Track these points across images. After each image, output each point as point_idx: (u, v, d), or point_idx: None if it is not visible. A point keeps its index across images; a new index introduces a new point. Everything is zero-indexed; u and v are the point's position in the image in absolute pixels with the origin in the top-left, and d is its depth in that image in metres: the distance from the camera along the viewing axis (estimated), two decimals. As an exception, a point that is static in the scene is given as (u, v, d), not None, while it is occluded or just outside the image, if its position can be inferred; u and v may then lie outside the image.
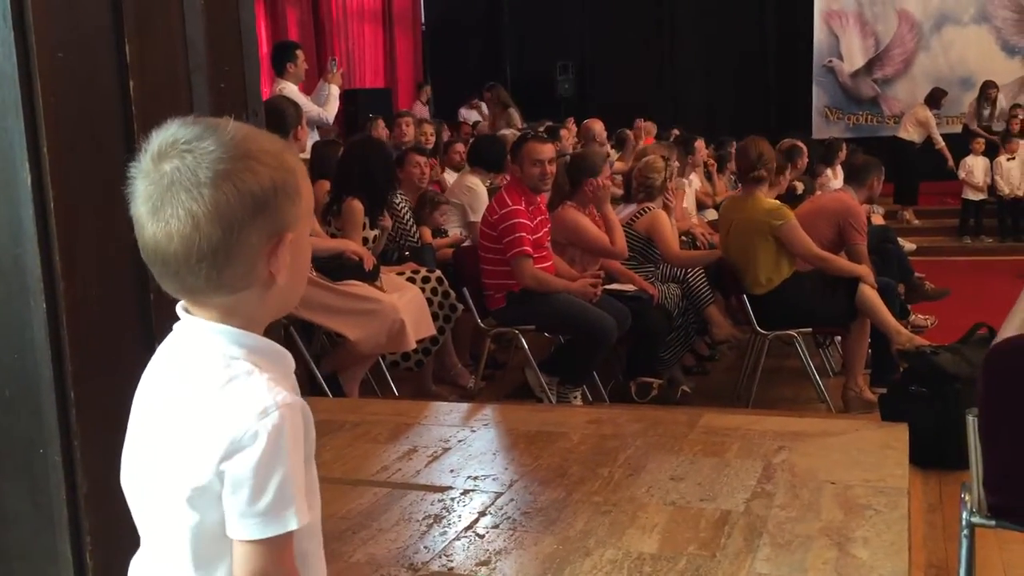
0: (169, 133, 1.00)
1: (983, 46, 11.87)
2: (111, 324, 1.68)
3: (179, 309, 1.05)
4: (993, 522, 1.76)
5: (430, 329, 4.41)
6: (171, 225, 0.97)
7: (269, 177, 0.99)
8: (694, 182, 7.59)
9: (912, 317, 5.86)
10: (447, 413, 3.72)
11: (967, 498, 1.81)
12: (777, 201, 4.91)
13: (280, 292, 1.04)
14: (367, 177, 4.40)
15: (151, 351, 1.10)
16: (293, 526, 0.96)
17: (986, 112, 10.81)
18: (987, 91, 10.96)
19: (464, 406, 3.85)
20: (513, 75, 13.84)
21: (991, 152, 10.05)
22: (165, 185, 0.97)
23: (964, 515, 1.77)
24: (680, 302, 5.13)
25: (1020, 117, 10.16)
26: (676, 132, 8.96)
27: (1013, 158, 9.78)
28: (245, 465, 0.95)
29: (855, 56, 12.47)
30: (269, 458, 0.95)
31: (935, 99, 10.71)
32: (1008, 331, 1.84)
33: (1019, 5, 11.74)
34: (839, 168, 7.80)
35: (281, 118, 4.21)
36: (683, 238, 5.77)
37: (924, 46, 12.17)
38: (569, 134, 8.07)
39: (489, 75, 13.08)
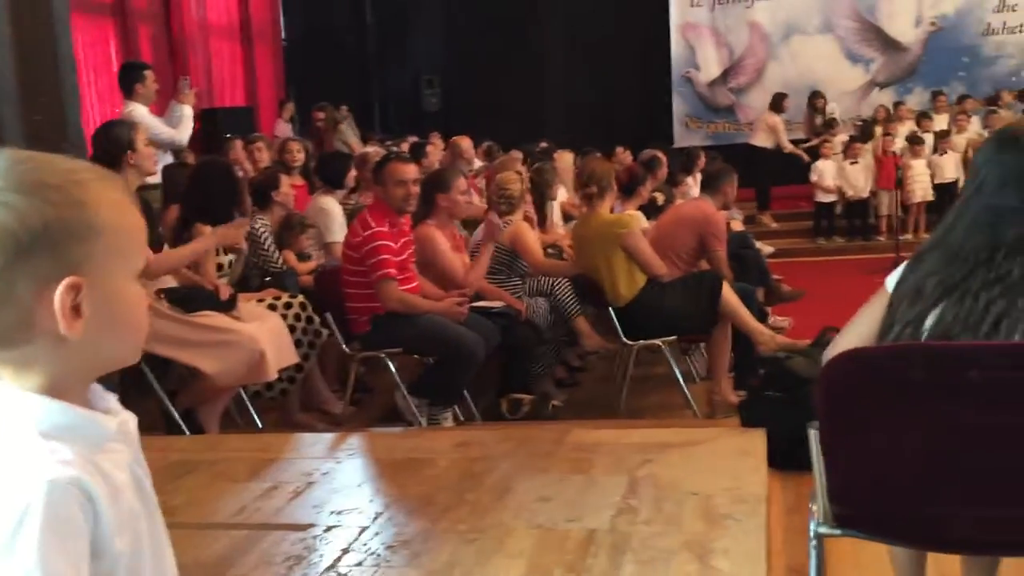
0: None
1: (829, 55, 12.48)
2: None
3: None
4: (839, 531, 1.80)
5: (293, 357, 4.29)
6: None
7: (39, 215, 0.87)
8: (561, 194, 7.67)
9: (771, 320, 6.06)
10: (311, 445, 3.61)
11: (814, 508, 1.85)
12: (617, 214, 5.08)
13: (83, 347, 0.91)
14: (215, 200, 4.24)
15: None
16: None
17: (818, 120, 11.37)
18: (814, 101, 11.57)
19: (329, 436, 3.74)
20: (379, 90, 13.74)
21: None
22: None
23: (812, 525, 1.81)
24: (548, 315, 5.15)
25: (871, 123, 10.80)
26: (543, 144, 9.03)
27: (856, 162, 10.30)
28: None
29: (711, 66, 12.91)
30: (8, 545, 0.82)
31: (777, 104, 11.24)
32: (844, 342, 1.89)
33: (860, 15, 12.38)
34: (699, 176, 8.03)
35: (116, 143, 4.01)
36: (550, 250, 5.81)
37: (774, 55, 12.69)
38: (436, 150, 8.03)
39: (354, 90, 12.93)
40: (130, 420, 1.02)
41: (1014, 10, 11.89)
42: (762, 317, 5.79)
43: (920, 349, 1.70)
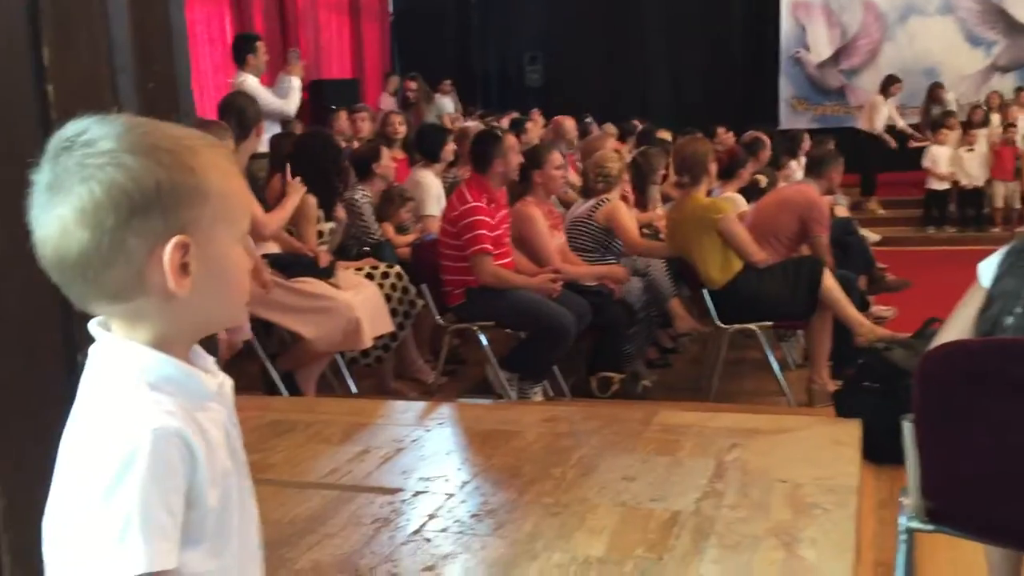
0: (60, 133, 0.93)
1: (948, 37, 11.96)
2: (30, 339, 1.63)
3: (91, 325, 1.00)
4: (931, 527, 1.76)
5: (388, 326, 4.38)
6: (46, 229, 0.91)
7: (152, 176, 0.91)
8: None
9: (873, 309, 5.89)
10: (402, 412, 3.69)
11: (905, 502, 1.81)
12: (712, 198, 5.00)
13: (190, 305, 0.95)
14: (317, 171, 4.35)
15: (72, 368, 1.05)
16: (131, 571, 0.86)
17: (935, 111, 10.92)
18: (934, 91, 11.09)
19: (420, 404, 3.81)
20: (482, 65, 13.79)
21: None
22: (44, 186, 0.92)
23: (902, 520, 1.77)
24: (642, 295, 5.13)
25: (981, 109, 10.31)
26: (637, 124, 8.93)
27: (972, 149, 9.87)
28: (89, 493, 0.88)
29: (822, 47, 12.52)
30: (111, 487, 0.87)
31: (886, 88, 10.84)
32: (945, 335, 1.84)
33: (983, -4, 11.84)
34: (803, 160, 7.82)
35: (242, 116, 4.17)
36: (645, 231, 5.77)
37: (890, 37, 12.23)
38: (536, 126, 8.04)
39: (457, 65, 13.02)
40: (227, 382, 1.06)
41: None
42: (864, 306, 5.64)
43: (1020, 345, 1.64)
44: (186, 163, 0.95)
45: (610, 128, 7.81)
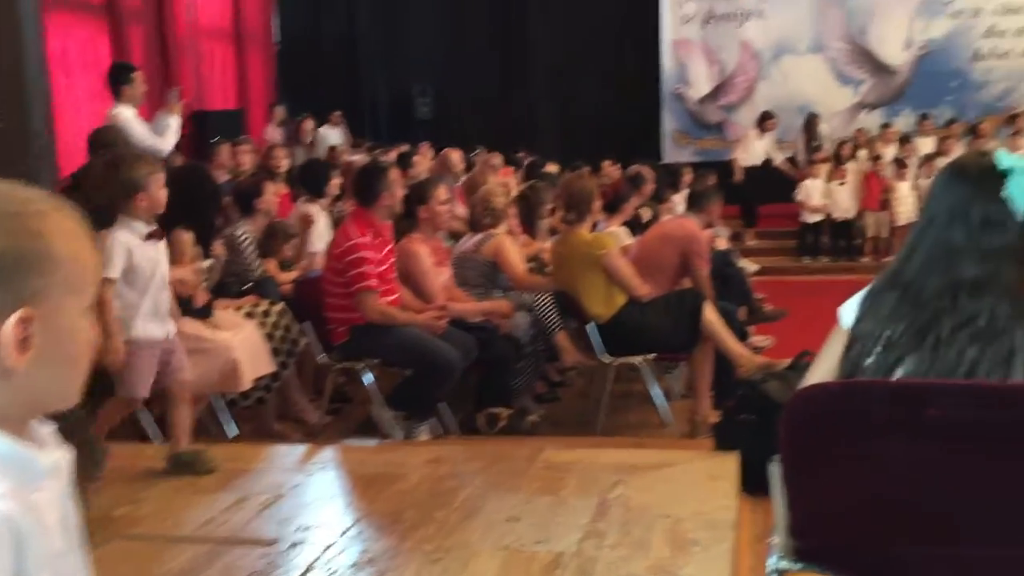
0: None
1: (819, 75, 12.51)
2: None
3: None
4: (799, 566, 1.79)
5: (269, 366, 4.27)
6: None
7: None
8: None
9: (752, 339, 6.06)
10: (283, 456, 3.60)
11: (774, 542, 1.84)
12: (595, 234, 5.09)
13: (28, 381, 0.89)
14: (193, 206, 4.22)
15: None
16: None
17: (814, 143, 11.44)
18: (811, 123, 11.63)
19: (302, 448, 3.72)
20: (372, 96, 13.70)
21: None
22: None
23: (771, 561, 1.80)
24: (529, 329, 5.14)
25: (849, 144, 10.86)
26: (525, 156, 9.03)
27: (843, 183, 10.35)
28: None
29: (701, 83, 12.94)
30: None
31: (763, 123, 11.33)
32: (811, 377, 1.89)
33: (850, 37, 12.45)
34: (685, 192, 8.04)
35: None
36: (532, 264, 5.81)
37: (765, 75, 12.73)
38: (424, 160, 8.02)
39: (346, 95, 12.92)
40: (63, 457, 1.00)
41: (1002, 36, 11.97)
42: (743, 336, 5.80)
43: (881, 386, 1.70)
44: (32, 228, 0.89)
45: (496, 160, 7.85)
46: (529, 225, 6.31)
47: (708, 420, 4.75)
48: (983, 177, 1.82)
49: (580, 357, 5.35)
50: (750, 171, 11.17)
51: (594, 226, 5.31)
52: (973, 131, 10.91)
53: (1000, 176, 1.81)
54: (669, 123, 13.09)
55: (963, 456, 1.62)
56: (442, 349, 4.28)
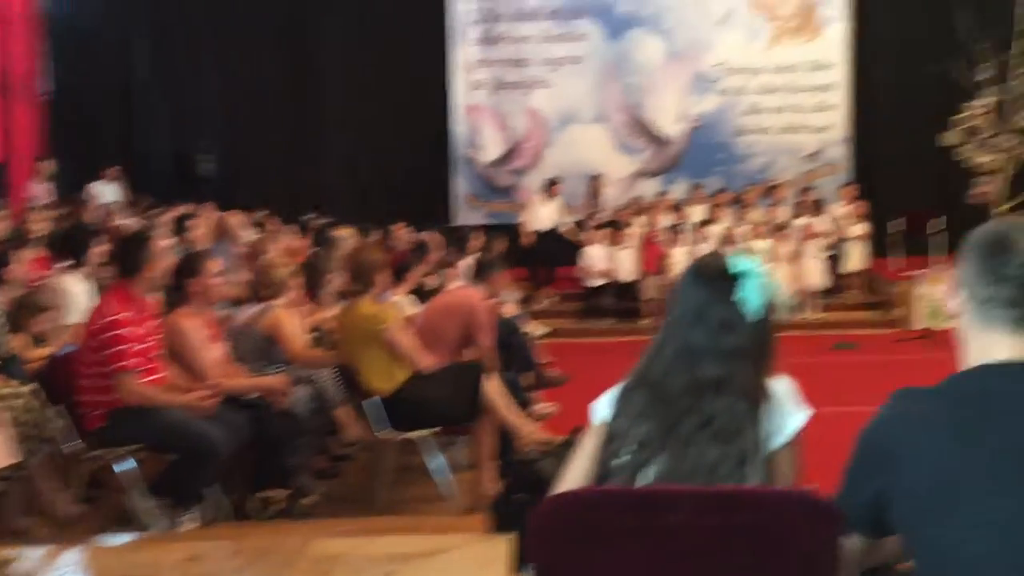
0: None
1: (601, 144, 13.15)
2: None
3: None
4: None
5: (11, 456, 3.87)
6: None
7: None
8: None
9: (536, 407, 6.13)
10: (18, 562, 3.24)
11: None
12: (376, 307, 5.01)
13: None
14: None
15: None
16: None
17: (594, 211, 11.97)
18: (593, 185, 12.20)
19: (42, 550, 3.37)
20: (152, 151, 13.05)
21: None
22: None
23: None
24: (309, 404, 4.97)
25: (629, 210, 11.45)
26: (314, 218, 8.88)
27: (625, 247, 10.85)
28: None
29: (492, 147, 13.27)
30: None
31: (549, 189, 11.79)
32: (567, 478, 1.88)
33: (629, 109, 13.17)
34: (473, 258, 8.12)
35: None
36: (316, 333, 5.64)
37: (552, 141, 13.23)
38: (203, 223, 7.67)
39: (123, 150, 12.26)
40: None
41: (759, 113, 13.05)
42: (526, 405, 5.86)
43: (624, 494, 1.71)
44: None
45: (278, 227, 7.65)
46: (314, 292, 6.14)
47: (490, 493, 4.74)
48: (718, 280, 1.89)
49: (362, 432, 5.23)
50: (539, 234, 11.49)
51: (378, 295, 5.22)
52: (738, 200, 11.75)
53: (733, 279, 1.88)
54: (461, 186, 13.30)
55: (704, 562, 1.65)
56: (205, 431, 4.05)
